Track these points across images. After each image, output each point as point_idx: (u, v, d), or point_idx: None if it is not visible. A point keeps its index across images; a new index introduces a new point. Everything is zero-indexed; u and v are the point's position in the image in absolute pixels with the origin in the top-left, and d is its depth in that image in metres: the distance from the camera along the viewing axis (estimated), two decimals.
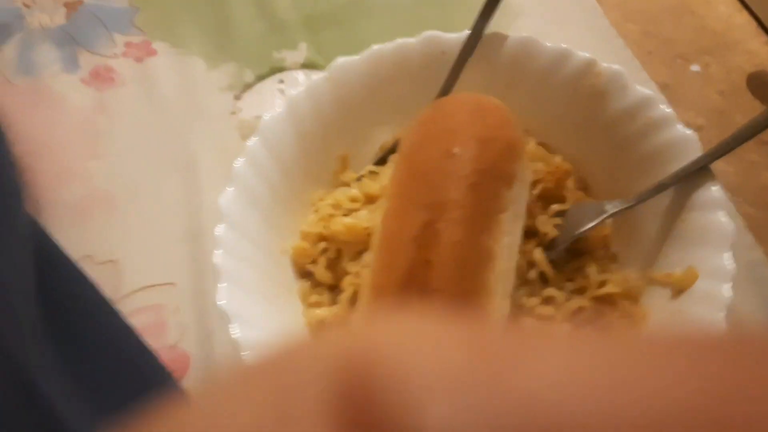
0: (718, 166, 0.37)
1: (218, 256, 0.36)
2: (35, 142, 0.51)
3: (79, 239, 0.46)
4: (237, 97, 0.54)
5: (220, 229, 0.37)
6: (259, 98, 0.55)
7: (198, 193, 0.49)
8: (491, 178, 0.35)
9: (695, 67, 0.57)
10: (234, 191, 0.39)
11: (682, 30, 0.60)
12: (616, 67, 0.42)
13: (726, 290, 0.33)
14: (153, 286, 0.45)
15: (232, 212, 0.38)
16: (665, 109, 0.40)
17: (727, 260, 0.34)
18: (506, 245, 0.35)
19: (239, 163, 0.40)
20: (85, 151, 0.51)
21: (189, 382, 0.42)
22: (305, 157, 0.43)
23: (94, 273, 0.43)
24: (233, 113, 0.54)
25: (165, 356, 0.42)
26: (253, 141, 0.41)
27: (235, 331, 0.34)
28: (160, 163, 0.50)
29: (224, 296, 0.35)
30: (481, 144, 0.36)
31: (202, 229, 0.47)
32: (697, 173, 0.37)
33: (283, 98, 0.55)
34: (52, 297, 0.39)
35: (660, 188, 0.38)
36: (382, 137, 0.46)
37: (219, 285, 0.36)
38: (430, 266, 0.34)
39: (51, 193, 0.48)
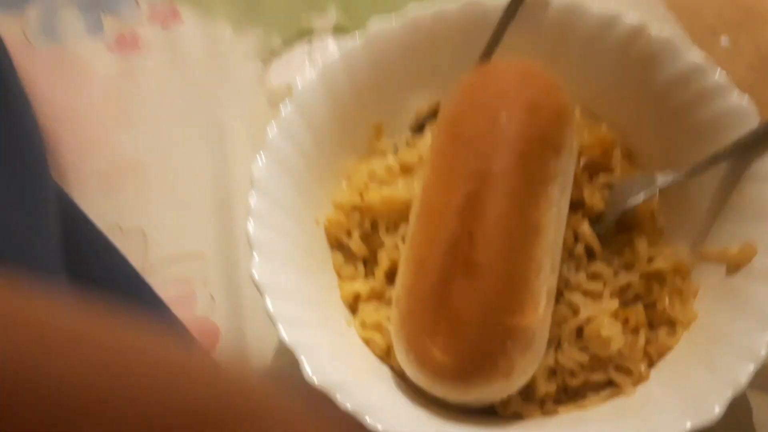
0: None
1: (252, 226, 0.35)
2: (59, 109, 0.50)
3: (108, 208, 0.45)
4: (265, 64, 0.53)
5: (253, 198, 0.36)
6: (288, 65, 0.53)
7: (226, 162, 0.47)
8: (540, 147, 0.33)
9: (724, 41, 0.55)
10: (266, 159, 0.37)
11: (710, 3, 0.58)
12: (666, 33, 0.39)
13: None
14: (181, 254, 0.44)
15: (265, 181, 0.37)
16: (720, 77, 0.37)
17: None
18: (554, 217, 0.34)
19: (272, 131, 0.38)
20: (111, 119, 0.49)
21: (219, 354, 0.41)
22: (339, 125, 0.41)
23: (123, 242, 0.42)
24: (261, 80, 0.52)
25: (193, 328, 0.41)
26: (286, 109, 0.39)
27: (270, 305, 0.33)
28: (188, 131, 0.49)
29: (258, 268, 0.34)
30: (530, 111, 0.34)
31: (231, 198, 0.46)
32: (755, 144, 0.36)
33: (312, 65, 0.53)
34: (79, 267, 0.38)
35: (715, 159, 0.36)
36: (418, 103, 0.44)
37: (253, 256, 0.34)
38: (474, 239, 0.32)
39: (79, 161, 0.47)
